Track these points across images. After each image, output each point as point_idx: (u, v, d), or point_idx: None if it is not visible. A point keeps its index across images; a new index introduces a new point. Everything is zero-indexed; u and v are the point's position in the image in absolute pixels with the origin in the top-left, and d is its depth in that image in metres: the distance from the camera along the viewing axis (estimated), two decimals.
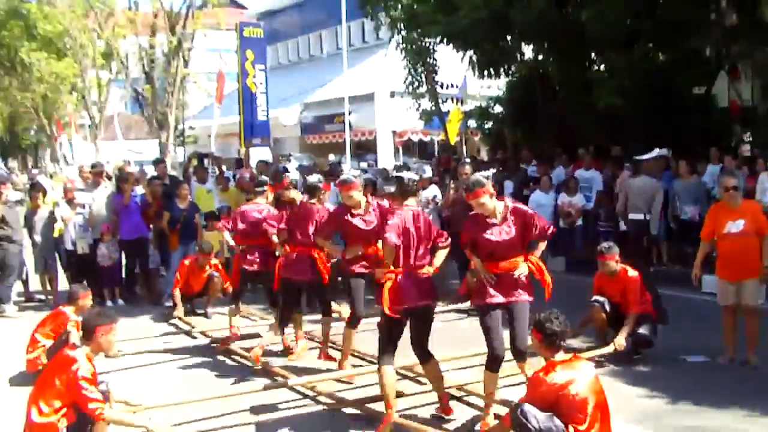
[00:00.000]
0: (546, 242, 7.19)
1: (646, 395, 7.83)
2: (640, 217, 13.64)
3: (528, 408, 5.70)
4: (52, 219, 13.10)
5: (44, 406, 6.05)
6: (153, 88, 34.29)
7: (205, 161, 15.31)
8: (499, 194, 7.14)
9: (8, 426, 6.81)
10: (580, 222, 14.97)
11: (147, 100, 34.95)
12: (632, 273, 9.06)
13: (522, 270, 6.84)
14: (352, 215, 8.23)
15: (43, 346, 8.69)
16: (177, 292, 11.57)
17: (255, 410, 7.49)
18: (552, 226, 7.16)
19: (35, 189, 13.54)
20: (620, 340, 8.73)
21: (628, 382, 8.11)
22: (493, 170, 7.94)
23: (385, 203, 8.00)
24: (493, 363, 6.81)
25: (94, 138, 44.22)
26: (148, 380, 8.78)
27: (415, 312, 6.99)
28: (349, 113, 33.24)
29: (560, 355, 5.96)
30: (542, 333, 5.96)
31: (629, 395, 7.70)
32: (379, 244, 7.61)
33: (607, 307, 9.09)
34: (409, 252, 6.95)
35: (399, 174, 7.47)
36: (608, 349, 8.74)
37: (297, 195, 9.18)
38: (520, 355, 7.02)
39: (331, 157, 23.19)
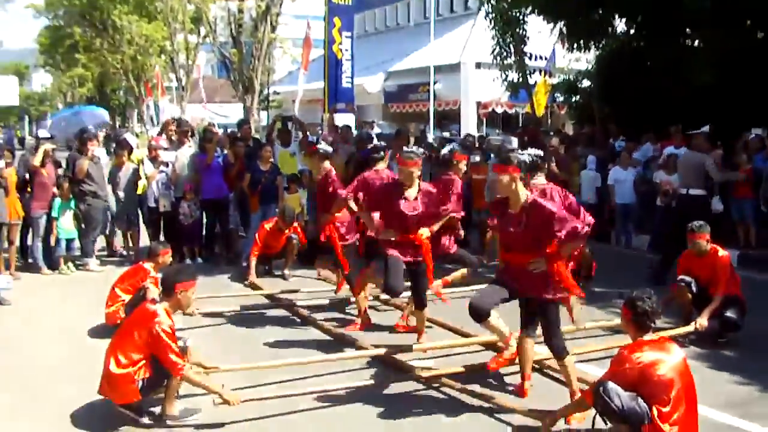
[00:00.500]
0: (574, 242, 6.47)
1: (732, 381, 7.52)
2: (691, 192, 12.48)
3: (611, 386, 5.50)
4: (135, 176, 13.23)
5: (122, 358, 6.10)
6: (240, 53, 34.45)
7: (289, 125, 15.23)
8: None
9: (87, 376, 6.85)
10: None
11: (233, 64, 35.12)
12: (723, 253, 8.73)
13: (535, 265, 6.45)
14: (400, 196, 7.86)
15: (122, 300, 8.78)
16: (253, 259, 11.55)
17: (330, 379, 7.38)
18: (586, 226, 6.42)
19: (121, 146, 13.67)
20: (702, 321, 8.46)
21: (713, 366, 7.81)
22: (540, 153, 7.24)
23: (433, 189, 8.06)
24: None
25: (180, 100, 44.87)
26: (223, 341, 8.79)
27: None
28: (434, 83, 33.12)
29: (648, 336, 5.75)
30: (632, 311, 5.76)
31: (714, 380, 7.40)
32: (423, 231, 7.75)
33: (694, 288, 8.77)
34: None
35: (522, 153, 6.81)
36: (689, 328, 8.47)
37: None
38: (556, 354, 6.68)
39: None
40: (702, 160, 12.00)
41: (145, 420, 6.23)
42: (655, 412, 5.44)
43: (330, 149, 9.95)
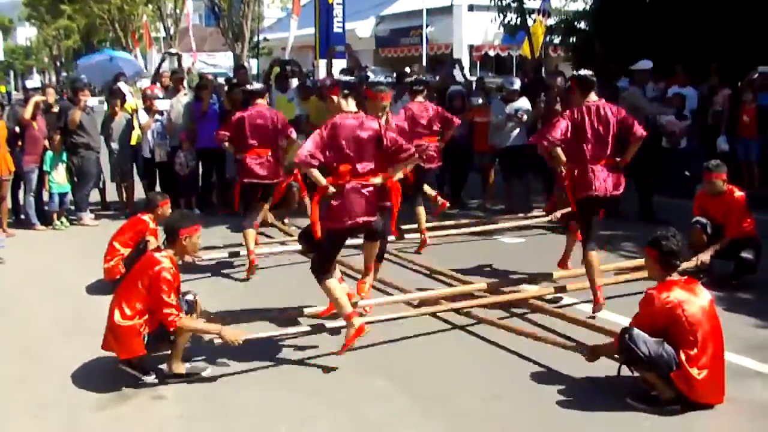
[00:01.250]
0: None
1: (750, 324, 7.33)
2: None
3: (637, 333, 5.32)
4: (130, 126, 12.90)
5: (127, 309, 5.87)
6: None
7: (288, 69, 14.85)
8: None
9: (87, 334, 6.64)
10: (684, 143, 14.11)
11: (223, 11, 34.54)
12: (738, 193, 8.50)
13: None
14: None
15: (121, 254, 8.52)
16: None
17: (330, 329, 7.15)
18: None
19: (114, 95, 13.31)
20: (704, 257, 8.25)
21: (730, 309, 7.55)
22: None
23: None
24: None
25: (169, 50, 44.24)
26: (223, 292, 8.58)
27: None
28: (426, 26, 32.71)
29: (675, 275, 5.57)
30: (658, 250, 5.58)
31: (732, 323, 7.13)
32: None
33: (709, 230, 8.53)
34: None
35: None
36: (690, 264, 8.05)
37: None
38: None
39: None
40: (635, 95, 12.08)
41: (150, 378, 6.01)
42: (683, 357, 5.29)
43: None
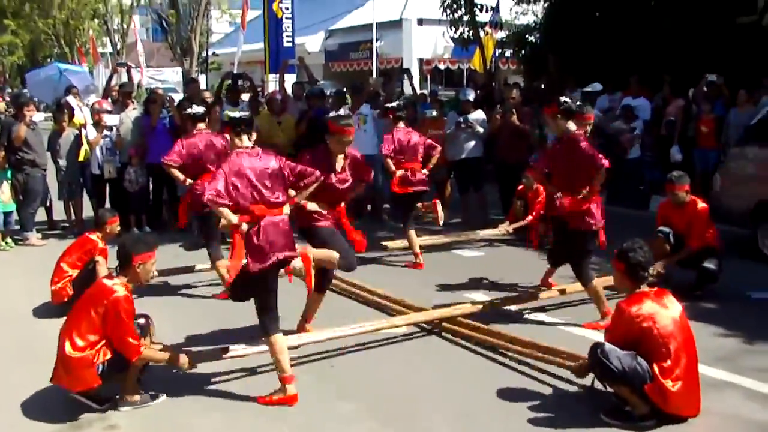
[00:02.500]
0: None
1: (716, 334, 7.31)
2: None
3: (609, 347, 5.21)
4: (78, 142, 12.54)
5: (78, 340, 5.55)
6: (177, 14, 33.46)
7: (240, 83, 14.61)
8: None
9: (37, 360, 6.33)
10: (637, 152, 14.13)
11: (171, 26, 34.10)
12: (701, 205, 8.47)
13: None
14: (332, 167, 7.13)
15: (70, 275, 8.20)
16: None
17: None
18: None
19: (60, 110, 12.95)
20: (658, 266, 7.79)
21: (696, 319, 7.33)
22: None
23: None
24: None
25: (119, 61, 43.67)
26: (179, 314, 8.28)
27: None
28: (376, 41, 32.64)
29: (644, 287, 5.47)
30: (625, 263, 5.47)
31: (700, 334, 6.91)
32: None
33: (672, 239, 8.47)
34: None
35: None
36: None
37: None
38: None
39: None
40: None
41: (105, 407, 5.72)
42: (657, 369, 5.18)
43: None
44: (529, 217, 10.77)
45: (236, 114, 6.37)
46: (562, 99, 7.56)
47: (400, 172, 9.92)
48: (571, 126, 7.47)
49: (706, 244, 8.37)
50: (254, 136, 6.14)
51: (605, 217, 7.56)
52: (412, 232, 10.07)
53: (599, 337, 6.07)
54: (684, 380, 5.22)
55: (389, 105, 10.85)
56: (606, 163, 7.31)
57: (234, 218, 5.67)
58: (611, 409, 5.39)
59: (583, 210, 7.36)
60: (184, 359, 5.85)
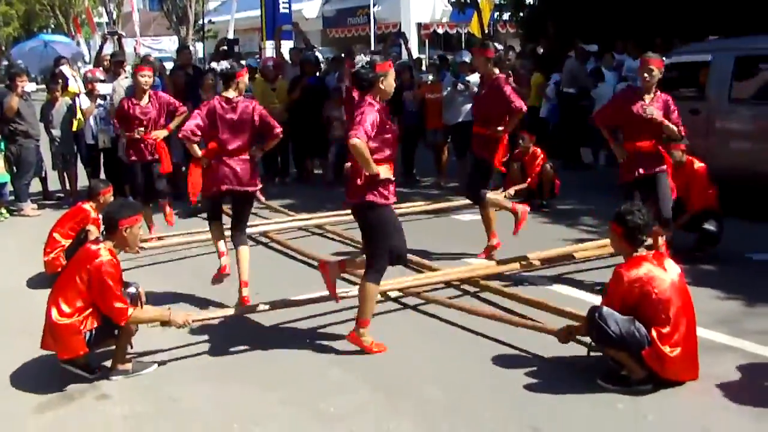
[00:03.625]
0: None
1: (717, 297, 7.21)
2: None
3: (607, 311, 5.10)
4: (71, 112, 12.41)
5: (65, 307, 5.47)
6: None
7: (236, 48, 14.47)
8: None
9: (28, 331, 6.26)
10: None
11: None
12: (699, 164, 8.34)
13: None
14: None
15: (62, 246, 8.12)
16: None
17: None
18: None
19: (54, 81, 12.80)
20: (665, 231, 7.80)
21: (696, 282, 7.28)
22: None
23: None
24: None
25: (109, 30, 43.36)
26: (172, 281, 8.17)
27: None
28: (373, 5, 32.37)
29: (642, 250, 5.36)
30: (624, 226, 5.36)
31: (699, 297, 6.85)
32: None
33: None
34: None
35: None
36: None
37: None
38: (666, 225, 7.38)
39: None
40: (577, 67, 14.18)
41: (94, 377, 5.66)
42: (655, 334, 5.09)
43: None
44: (528, 180, 10.70)
45: (218, 68, 7.66)
46: (497, 46, 8.84)
47: None
48: (496, 70, 8.36)
49: (707, 205, 8.25)
50: (240, 88, 7.11)
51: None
52: None
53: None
54: (683, 346, 5.14)
55: None
56: (520, 105, 8.13)
57: (198, 153, 7.02)
58: (608, 373, 5.31)
59: (494, 143, 8.28)
60: (177, 315, 5.77)
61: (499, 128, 8.20)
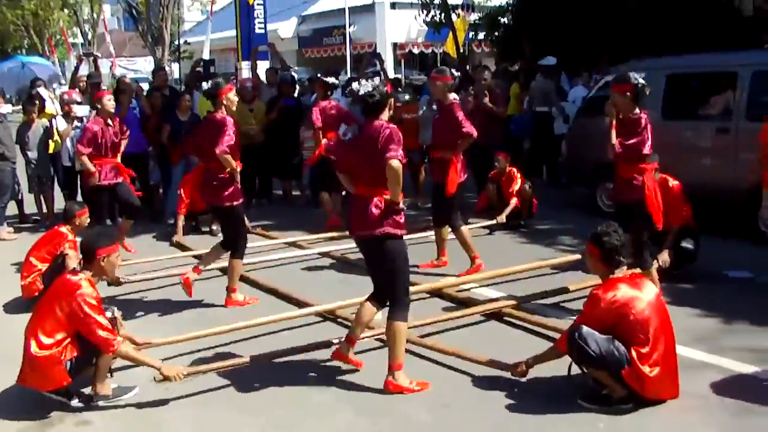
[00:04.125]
0: None
1: (695, 314, 7.27)
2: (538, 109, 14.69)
3: (586, 330, 5.14)
4: (47, 134, 12.33)
5: (44, 338, 5.42)
6: (147, 2, 33.06)
7: (211, 69, 14.48)
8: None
9: (6, 357, 6.19)
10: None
11: (141, 14, 33.69)
12: (673, 182, 8.40)
13: None
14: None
15: (39, 269, 8.05)
16: (181, 216, 10.95)
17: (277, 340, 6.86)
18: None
19: (31, 102, 12.74)
20: (664, 257, 8.07)
21: (673, 300, 7.34)
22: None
23: None
24: None
25: (84, 51, 43.21)
26: (153, 309, 8.11)
27: None
28: (350, 25, 32.50)
29: (619, 272, 5.38)
30: (600, 247, 5.37)
31: (677, 314, 6.87)
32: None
33: None
34: None
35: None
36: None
37: None
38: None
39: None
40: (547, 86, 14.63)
41: (76, 403, 5.61)
42: (634, 354, 5.12)
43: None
44: (514, 200, 10.73)
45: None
46: (454, 72, 9.48)
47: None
48: (451, 96, 8.78)
49: (683, 222, 8.31)
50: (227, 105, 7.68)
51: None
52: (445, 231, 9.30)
53: None
54: (662, 365, 5.18)
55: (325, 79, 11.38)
56: (470, 130, 8.49)
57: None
58: (588, 393, 5.34)
59: (447, 167, 8.56)
60: (168, 368, 5.60)
61: (448, 152, 8.55)
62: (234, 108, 7.95)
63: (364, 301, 5.99)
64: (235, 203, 7.79)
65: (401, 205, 5.67)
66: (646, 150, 7.14)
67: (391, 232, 5.62)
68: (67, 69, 40.52)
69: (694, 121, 10.73)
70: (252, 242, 10.22)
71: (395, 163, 5.43)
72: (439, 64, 30.94)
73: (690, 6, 15.14)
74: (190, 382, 5.89)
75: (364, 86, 5.80)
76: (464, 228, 8.90)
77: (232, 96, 7.73)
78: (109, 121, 9.78)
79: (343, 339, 6.09)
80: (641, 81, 7.20)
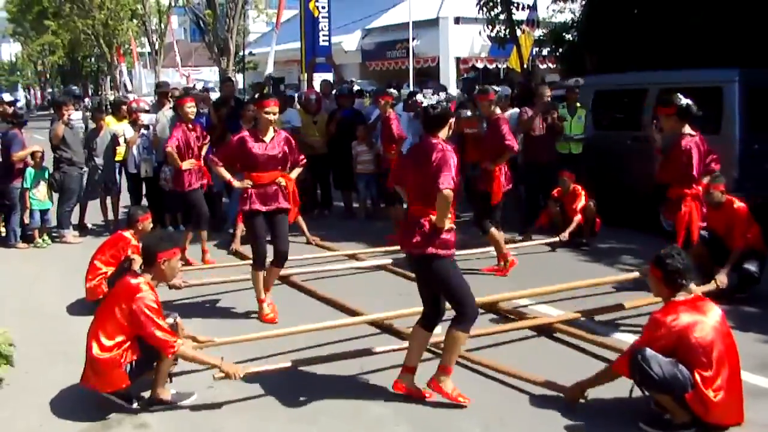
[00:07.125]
0: None
1: (761, 340, 7.08)
2: None
3: (650, 353, 5.03)
4: (114, 141, 12.56)
5: (106, 341, 5.50)
6: (214, 14, 33.55)
7: (282, 86, 14.66)
8: None
9: (69, 358, 6.31)
10: None
11: (208, 26, 34.18)
12: (739, 204, 8.24)
13: None
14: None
15: (104, 273, 8.19)
16: (240, 225, 11.01)
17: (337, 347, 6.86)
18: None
19: (99, 110, 12.98)
20: (722, 277, 7.90)
21: (737, 324, 7.18)
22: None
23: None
24: None
25: (154, 65, 43.98)
26: (213, 312, 8.24)
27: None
28: (413, 39, 32.50)
29: (682, 295, 5.27)
30: (662, 270, 5.27)
31: (741, 339, 6.77)
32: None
33: (707, 236, 8.24)
34: None
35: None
36: (709, 286, 7.75)
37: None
38: None
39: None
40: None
41: (134, 406, 5.68)
42: (698, 378, 5.00)
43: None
44: (578, 218, 10.62)
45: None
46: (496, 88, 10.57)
47: None
48: (497, 110, 9.63)
49: (750, 244, 8.14)
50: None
51: None
52: (494, 231, 9.49)
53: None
54: (726, 390, 5.05)
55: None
56: (512, 144, 9.24)
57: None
58: (650, 417, 5.24)
59: (493, 177, 9.27)
60: (228, 366, 5.69)
61: (491, 163, 9.29)
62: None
63: (415, 326, 5.97)
64: None
65: (447, 227, 5.58)
66: (693, 172, 7.65)
67: (438, 253, 5.55)
68: (134, 77, 41.25)
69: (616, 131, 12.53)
70: (311, 253, 10.32)
71: (447, 193, 5.38)
72: (502, 78, 30.86)
73: (757, 19, 14.83)
74: (245, 388, 5.95)
75: (428, 98, 5.80)
76: (494, 230, 9.38)
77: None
78: (190, 126, 10.27)
79: (400, 371, 5.98)
80: (685, 101, 7.21)
